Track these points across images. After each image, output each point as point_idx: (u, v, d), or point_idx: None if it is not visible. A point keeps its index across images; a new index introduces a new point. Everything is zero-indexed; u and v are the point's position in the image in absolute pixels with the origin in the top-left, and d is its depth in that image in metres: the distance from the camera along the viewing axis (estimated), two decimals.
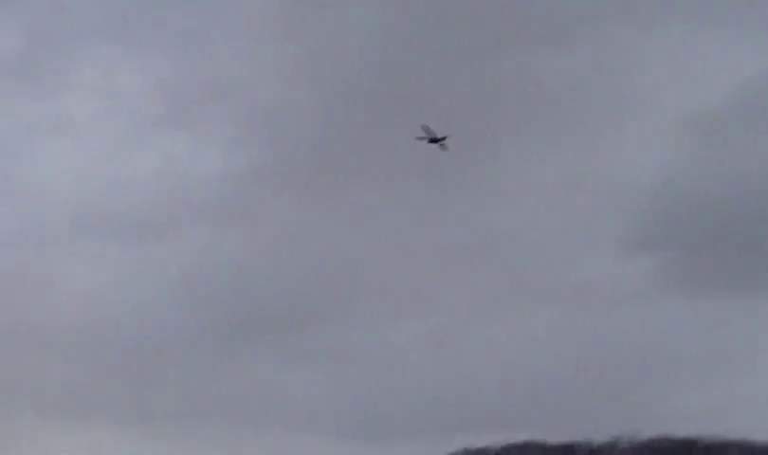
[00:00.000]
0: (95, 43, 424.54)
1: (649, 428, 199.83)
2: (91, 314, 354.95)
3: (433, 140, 68.68)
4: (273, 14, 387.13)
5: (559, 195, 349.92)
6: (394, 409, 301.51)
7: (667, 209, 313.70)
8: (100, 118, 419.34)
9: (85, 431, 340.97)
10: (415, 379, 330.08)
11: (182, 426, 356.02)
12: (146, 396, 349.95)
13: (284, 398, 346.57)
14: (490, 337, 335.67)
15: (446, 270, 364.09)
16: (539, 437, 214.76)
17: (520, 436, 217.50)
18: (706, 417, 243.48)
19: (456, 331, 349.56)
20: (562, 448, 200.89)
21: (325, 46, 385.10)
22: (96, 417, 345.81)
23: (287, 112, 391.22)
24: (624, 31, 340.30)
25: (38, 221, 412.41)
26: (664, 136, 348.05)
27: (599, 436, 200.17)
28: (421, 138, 67.79)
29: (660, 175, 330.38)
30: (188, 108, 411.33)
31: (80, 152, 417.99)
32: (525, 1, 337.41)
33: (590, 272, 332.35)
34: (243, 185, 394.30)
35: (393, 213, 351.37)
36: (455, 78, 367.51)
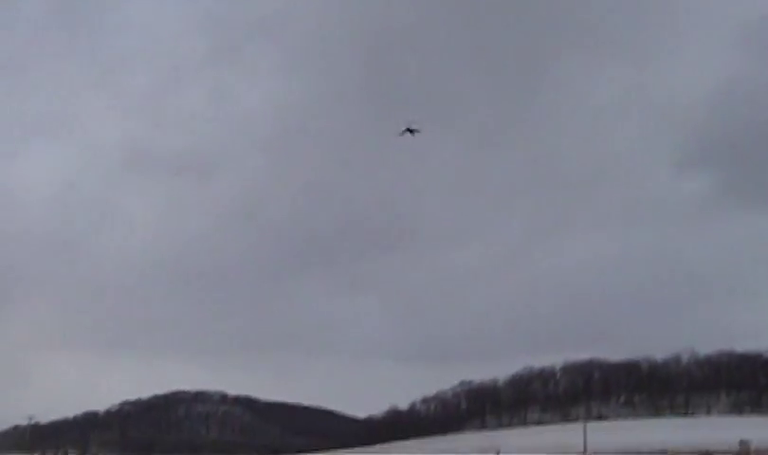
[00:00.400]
0: None
1: (709, 344, 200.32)
2: (147, 249, 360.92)
3: (409, 130, 76.34)
4: None
5: (615, 114, 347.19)
6: (457, 333, 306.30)
7: (724, 124, 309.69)
8: (147, 55, 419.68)
9: (143, 362, 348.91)
10: (479, 302, 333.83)
11: (242, 355, 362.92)
12: (206, 328, 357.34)
13: (344, 326, 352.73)
14: (549, 260, 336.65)
15: (503, 195, 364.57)
16: (600, 355, 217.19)
17: (581, 355, 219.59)
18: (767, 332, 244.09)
19: (516, 254, 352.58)
20: (624, 366, 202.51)
21: None
22: (155, 349, 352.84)
23: (338, 42, 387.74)
24: None
25: (92, 160, 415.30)
26: (721, 49, 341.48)
27: (660, 353, 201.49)
28: (402, 131, 75.39)
29: (716, 90, 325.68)
30: (234, 41, 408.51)
31: (131, 89, 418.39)
32: None
33: (647, 190, 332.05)
34: (294, 117, 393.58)
35: (449, 141, 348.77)
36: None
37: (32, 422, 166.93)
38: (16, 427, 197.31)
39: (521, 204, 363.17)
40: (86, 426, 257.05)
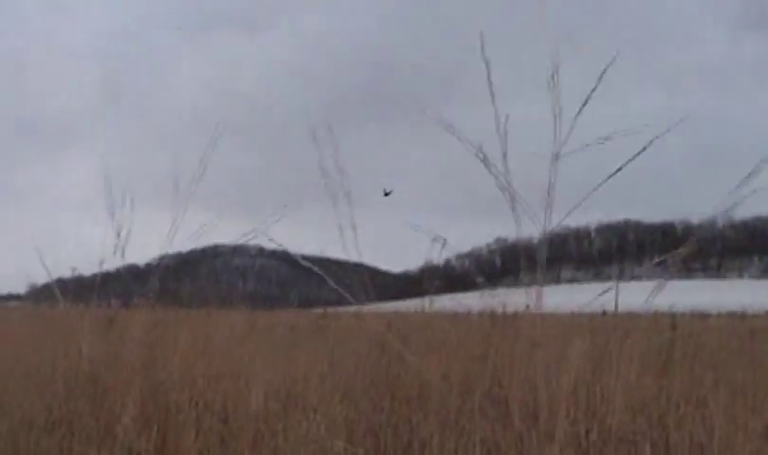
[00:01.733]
0: None
1: (746, 209, 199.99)
2: (195, 101, 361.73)
3: (386, 193, 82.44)
4: None
5: None
6: (495, 188, 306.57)
7: None
8: None
9: (183, 215, 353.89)
10: (524, 156, 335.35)
11: (300, 211, 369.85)
12: (246, 181, 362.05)
13: (399, 176, 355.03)
14: (597, 116, 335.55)
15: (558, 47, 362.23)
16: (636, 217, 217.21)
17: (617, 215, 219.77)
18: None
19: (564, 109, 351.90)
20: (659, 227, 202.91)
21: None
22: (195, 202, 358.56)
23: None
24: None
25: (143, 11, 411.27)
26: None
27: (697, 215, 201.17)
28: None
29: None
30: None
31: None
32: None
33: (702, 51, 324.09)
34: None
35: None
36: None
37: (75, 274, 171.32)
38: (60, 280, 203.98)
39: (572, 59, 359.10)
40: (128, 278, 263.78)
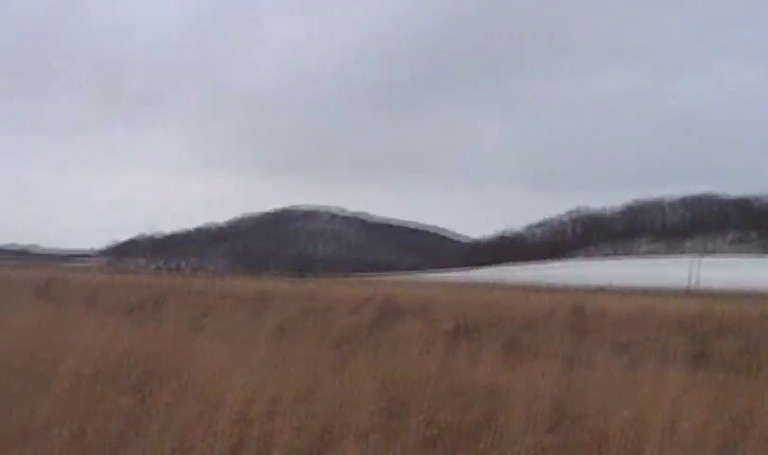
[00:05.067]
0: None
1: None
2: (276, 69, 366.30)
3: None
4: None
5: None
6: (581, 160, 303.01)
7: None
8: None
9: (262, 178, 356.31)
10: (605, 129, 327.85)
11: (358, 174, 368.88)
12: (326, 147, 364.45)
13: (477, 147, 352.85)
14: (686, 91, 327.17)
15: (651, 17, 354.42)
16: (716, 191, 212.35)
17: (697, 189, 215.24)
18: None
19: (650, 83, 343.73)
20: (739, 202, 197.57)
21: None
22: (274, 166, 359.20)
23: None
24: None
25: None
26: None
27: None
28: None
29: None
30: None
31: None
32: None
33: None
34: None
35: None
36: None
37: (156, 232, 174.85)
38: (141, 236, 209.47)
39: (666, 29, 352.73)
40: (206, 238, 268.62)
